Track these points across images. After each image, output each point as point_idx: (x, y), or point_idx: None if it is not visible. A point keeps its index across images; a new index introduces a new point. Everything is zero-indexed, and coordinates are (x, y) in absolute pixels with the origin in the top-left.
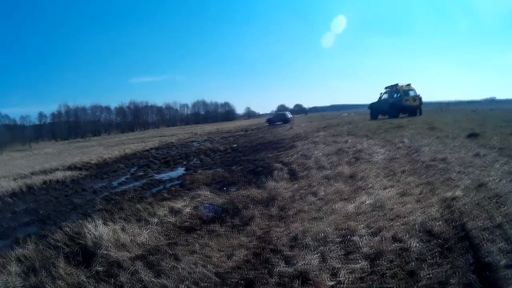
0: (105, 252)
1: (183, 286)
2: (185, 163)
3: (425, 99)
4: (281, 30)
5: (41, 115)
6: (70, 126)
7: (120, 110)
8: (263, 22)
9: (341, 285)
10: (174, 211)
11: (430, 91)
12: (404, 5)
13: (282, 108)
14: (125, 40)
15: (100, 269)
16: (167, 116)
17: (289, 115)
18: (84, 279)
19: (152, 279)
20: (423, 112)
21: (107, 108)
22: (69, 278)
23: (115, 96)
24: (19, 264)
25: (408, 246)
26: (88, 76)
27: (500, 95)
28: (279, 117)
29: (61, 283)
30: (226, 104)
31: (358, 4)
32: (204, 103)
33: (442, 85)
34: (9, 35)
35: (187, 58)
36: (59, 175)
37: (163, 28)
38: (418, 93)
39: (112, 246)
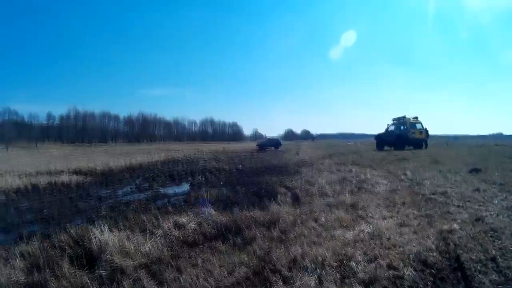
0: (109, 257)
1: None
2: (190, 179)
3: (432, 132)
4: (293, 56)
5: (49, 115)
6: (78, 130)
7: (129, 121)
8: (276, 46)
9: None
10: (178, 225)
11: (437, 124)
12: (415, 37)
13: (290, 132)
14: (138, 51)
15: (103, 273)
16: (174, 131)
17: (280, 141)
18: (87, 281)
19: (154, 287)
20: (429, 145)
21: (116, 117)
22: (72, 278)
23: (124, 105)
24: (22, 260)
25: (402, 274)
26: (99, 82)
27: (508, 131)
28: (270, 142)
29: (65, 282)
30: (234, 125)
31: (368, 34)
32: (212, 122)
33: (450, 118)
34: (27, 33)
35: (198, 75)
36: (65, 178)
37: (177, 44)
38: (424, 126)
39: (116, 252)
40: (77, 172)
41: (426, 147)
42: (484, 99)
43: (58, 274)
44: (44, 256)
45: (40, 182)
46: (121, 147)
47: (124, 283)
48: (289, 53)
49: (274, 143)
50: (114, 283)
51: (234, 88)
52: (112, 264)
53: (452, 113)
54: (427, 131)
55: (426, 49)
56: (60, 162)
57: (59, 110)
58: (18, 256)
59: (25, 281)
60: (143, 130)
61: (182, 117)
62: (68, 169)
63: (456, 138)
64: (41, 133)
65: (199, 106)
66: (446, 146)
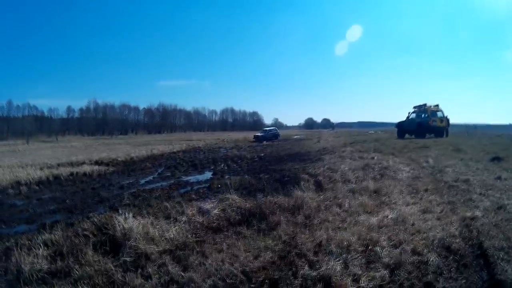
0: (134, 243)
1: (210, 281)
2: (212, 167)
3: (451, 120)
4: (312, 46)
5: (69, 109)
6: (98, 122)
7: (149, 111)
8: (296, 37)
9: None
10: (202, 212)
11: (458, 113)
12: (437, 26)
13: (310, 121)
14: (157, 43)
15: (128, 259)
16: (195, 121)
17: (277, 132)
18: (112, 267)
19: (180, 272)
20: (450, 133)
21: (136, 108)
22: (96, 265)
23: (143, 96)
24: (46, 248)
25: (427, 259)
26: (118, 75)
27: None
28: (269, 134)
29: (89, 269)
30: (255, 114)
31: (389, 25)
32: (232, 111)
33: (469, 107)
34: (46, 28)
35: (217, 65)
36: (86, 168)
37: (195, 36)
38: (445, 115)
39: (141, 238)
40: (98, 162)
41: (447, 135)
42: (505, 88)
43: (82, 261)
44: (67, 244)
45: (61, 173)
46: (142, 138)
47: (149, 268)
48: (309, 42)
49: (272, 135)
50: (139, 269)
51: (254, 77)
52: (137, 250)
53: (471, 102)
54: (448, 120)
55: (447, 37)
56: (81, 153)
57: (78, 104)
58: (42, 244)
59: (49, 269)
60: (163, 120)
61: (202, 107)
62: (90, 160)
63: (475, 127)
64: (61, 127)
65: (219, 96)
66: (466, 135)
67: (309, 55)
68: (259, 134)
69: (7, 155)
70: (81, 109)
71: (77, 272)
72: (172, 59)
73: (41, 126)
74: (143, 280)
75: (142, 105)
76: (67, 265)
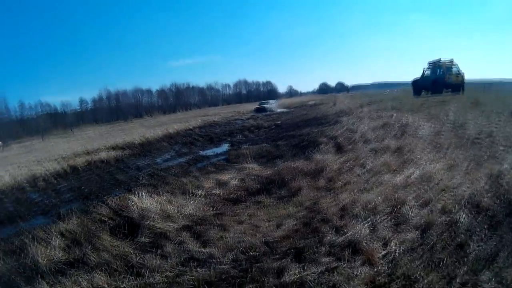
0: (151, 223)
1: (230, 255)
2: (229, 139)
3: (466, 77)
4: (320, 10)
5: (81, 100)
6: (112, 110)
7: (162, 93)
8: (303, 2)
9: (392, 255)
10: (220, 184)
11: (471, 69)
12: None
13: (324, 86)
14: (163, 24)
15: (145, 240)
16: (209, 97)
17: (273, 103)
18: (129, 250)
19: (199, 248)
20: (465, 89)
21: (148, 91)
22: (113, 249)
23: (155, 79)
24: (62, 239)
25: (457, 219)
26: (128, 61)
27: None
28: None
29: (106, 254)
30: (268, 83)
31: None
32: (245, 82)
33: (484, 64)
34: (48, 24)
35: (227, 38)
36: (102, 155)
37: (201, 10)
38: (460, 70)
39: (158, 217)
40: (114, 148)
41: (463, 91)
42: None
43: (99, 247)
44: (83, 231)
45: (78, 163)
46: (157, 119)
47: (168, 248)
48: (319, 6)
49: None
50: (158, 249)
51: (265, 47)
52: (154, 230)
53: (485, 58)
54: (463, 75)
55: None
56: (97, 141)
57: (91, 94)
58: (58, 235)
59: (66, 259)
60: (177, 100)
61: (215, 82)
62: (105, 147)
63: (491, 83)
64: (76, 119)
65: (231, 69)
66: (483, 90)
67: (320, 20)
68: (258, 106)
69: (24, 154)
70: (93, 100)
71: (94, 259)
72: (180, 38)
73: (56, 121)
74: (161, 261)
75: (154, 88)
76: (84, 253)
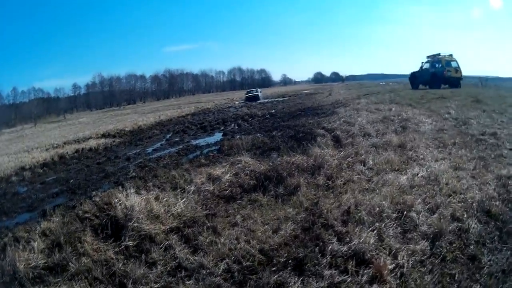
0: (136, 224)
1: (223, 265)
2: (222, 128)
3: (463, 72)
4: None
5: (75, 86)
6: (105, 95)
7: (155, 78)
8: None
9: (402, 269)
10: (212, 178)
11: (468, 64)
12: None
13: (319, 75)
14: (159, 9)
15: (130, 243)
16: (203, 83)
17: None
18: (112, 256)
19: (188, 256)
20: (462, 85)
21: (142, 77)
22: (95, 254)
23: (149, 65)
24: (43, 239)
25: (467, 226)
26: (122, 47)
27: None
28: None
29: (86, 260)
30: (262, 71)
31: None
32: (240, 70)
33: (480, 59)
34: (43, 10)
35: (221, 26)
36: (92, 143)
37: None
38: (459, 65)
39: (144, 217)
40: (105, 135)
41: (459, 86)
42: None
43: (81, 250)
44: (65, 232)
45: (67, 152)
46: (150, 105)
47: (154, 254)
48: None
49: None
50: (143, 254)
51: (260, 34)
52: (140, 232)
53: (481, 53)
54: (461, 71)
55: None
56: (88, 128)
57: (84, 80)
58: (39, 235)
59: (45, 263)
60: (170, 86)
61: (209, 68)
62: (96, 134)
63: (487, 79)
64: (68, 105)
65: (226, 56)
66: (481, 86)
67: (316, 7)
68: (250, 95)
69: (15, 141)
70: (87, 85)
71: (74, 266)
72: (175, 23)
73: (49, 107)
74: (146, 269)
75: (148, 74)
76: (64, 257)
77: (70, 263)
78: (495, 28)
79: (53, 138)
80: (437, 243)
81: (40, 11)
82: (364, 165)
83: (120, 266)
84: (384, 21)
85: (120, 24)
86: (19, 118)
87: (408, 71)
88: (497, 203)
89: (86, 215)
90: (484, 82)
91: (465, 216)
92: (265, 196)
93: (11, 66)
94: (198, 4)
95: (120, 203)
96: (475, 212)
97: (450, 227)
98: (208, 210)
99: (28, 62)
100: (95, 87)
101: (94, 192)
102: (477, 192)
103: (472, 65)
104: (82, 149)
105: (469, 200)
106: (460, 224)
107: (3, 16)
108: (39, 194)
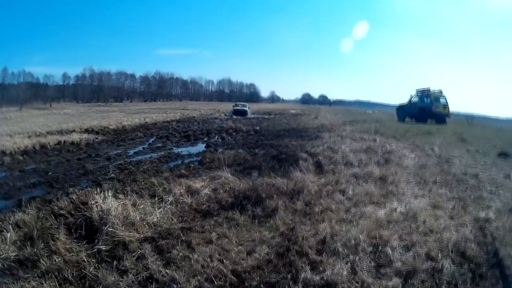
0: (111, 229)
1: (194, 282)
2: (206, 139)
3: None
4: (310, 19)
5: (65, 75)
6: (93, 89)
7: (145, 79)
8: (295, 10)
9: None
10: (191, 191)
11: (454, 101)
12: (441, 8)
13: (307, 96)
14: (155, 10)
15: (103, 248)
16: (191, 90)
17: (247, 108)
18: (84, 258)
19: (160, 268)
20: (448, 121)
21: (132, 76)
22: (67, 254)
23: (140, 65)
24: (16, 231)
25: (441, 267)
26: (115, 43)
27: None
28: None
29: (58, 259)
30: (252, 86)
31: (391, 2)
32: (229, 82)
33: (467, 97)
34: None
35: (215, 35)
36: (75, 137)
37: (196, 3)
38: (447, 102)
39: (119, 223)
40: (88, 130)
41: (445, 122)
42: (504, 82)
43: (53, 248)
44: (39, 227)
45: (49, 142)
46: (136, 106)
47: (127, 261)
48: (309, 15)
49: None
50: (115, 261)
51: (253, 49)
52: (114, 238)
53: (468, 91)
54: (449, 108)
55: (453, 21)
56: (73, 121)
57: (75, 71)
58: (12, 226)
59: (16, 256)
60: (159, 89)
61: (199, 76)
62: (80, 128)
63: (473, 117)
64: (56, 93)
65: (217, 66)
66: (466, 124)
67: (310, 29)
68: (239, 108)
69: None
70: (77, 76)
71: (45, 263)
72: (170, 27)
73: (36, 93)
74: (118, 276)
75: (139, 73)
76: (36, 253)
77: (41, 260)
78: (487, 68)
79: (37, 125)
80: (409, 281)
81: None
82: (343, 195)
83: (91, 269)
84: (375, 48)
85: (115, 21)
86: (6, 100)
87: (395, 102)
88: (473, 245)
89: (62, 212)
90: (470, 120)
91: (439, 256)
92: (242, 216)
93: (4, 46)
94: (195, 11)
95: (96, 205)
96: (450, 252)
97: (424, 266)
98: (184, 223)
99: (21, 45)
100: (84, 79)
101: (71, 189)
102: (453, 232)
103: (459, 102)
104: (64, 141)
105: (445, 241)
106: (434, 264)
107: None
108: (17, 183)
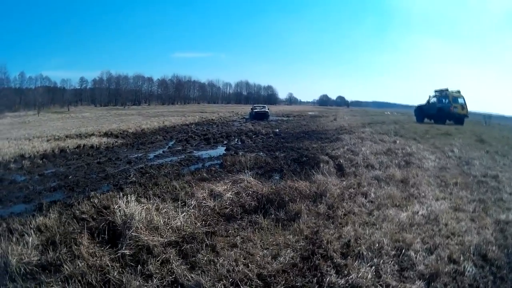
0: (135, 234)
1: (220, 286)
2: (225, 142)
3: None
4: (328, 21)
5: (82, 79)
6: (111, 93)
7: (163, 82)
8: (311, 12)
9: None
10: (213, 195)
11: (471, 101)
12: (461, 9)
13: (324, 98)
14: (172, 14)
15: (127, 252)
16: (209, 93)
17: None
18: (108, 262)
19: (185, 272)
20: (466, 121)
21: (149, 79)
22: (91, 259)
23: (158, 68)
24: (38, 235)
25: (463, 269)
26: (133, 47)
27: None
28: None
29: (81, 263)
30: (269, 88)
31: (409, 4)
32: (247, 84)
33: (484, 96)
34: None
35: (233, 38)
36: (95, 140)
37: (212, 6)
38: (466, 102)
39: (143, 227)
40: (107, 134)
41: (463, 123)
42: None
43: (76, 252)
44: (61, 231)
45: (68, 146)
46: (155, 109)
47: (151, 266)
48: (326, 17)
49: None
50: (139, 265)
51: (270, 51)
52: (138, 242)
53: (486, 91)
54: (467, 108)
55: (471, 21)
56: (91, 124)
57: (92, 75)
58: (34, 230)
59: (39, 261)
60: (177, 91)
61: (216, 79)
62: (99, 132)
63: (490, 117)
64: (73, 97)
65: (234, 69)
66: (484, 124)
67: (327, 30)
68: (259, 110)
69: (16, 126)
70: (94, 80)
71: (68, 268)
72: (187, 30)
73: (54, 97)
74: (142, 281)
75: (156, 77)
76: (59, 257)
77: (64, 265)
78: (504, 67)
79: (55, 129)
80: (432, 283)
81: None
82: (365, 198)
83: (115, 274)
84: (392, 49)
85: (132, 25)
86: (23, 104)
87: (413, 102)
88: (494, 248)
89: (84, 216)
90: (487, 120)
91: (461, 258)
92: (266, 219)
93: (21, 50)
94: (211, 14)
95: (119, 209)
96: (472, 255)
97: (446, 269)
98: (208, 227)
99: (39, 49)
100: (102, 83)
101: (93, 193)
102: (475, 235)
103: (476, 101)
104: (84, 145)
105: (467, 243)
106: (456, 267)
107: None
108: (37, 186)
